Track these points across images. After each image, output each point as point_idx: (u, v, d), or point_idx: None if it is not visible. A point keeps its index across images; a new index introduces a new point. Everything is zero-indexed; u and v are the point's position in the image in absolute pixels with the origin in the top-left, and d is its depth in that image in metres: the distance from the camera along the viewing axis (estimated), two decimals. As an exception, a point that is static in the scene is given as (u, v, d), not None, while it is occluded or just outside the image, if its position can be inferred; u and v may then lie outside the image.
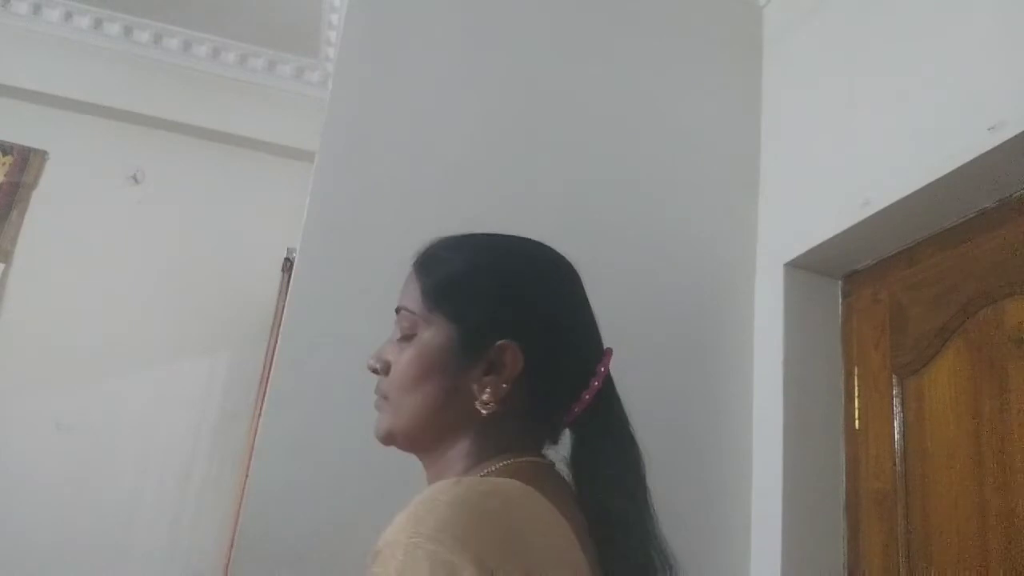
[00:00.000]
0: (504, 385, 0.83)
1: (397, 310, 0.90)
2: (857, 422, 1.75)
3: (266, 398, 1.70)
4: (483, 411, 0.83)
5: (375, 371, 0.91)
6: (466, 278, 0.89)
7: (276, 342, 2.21)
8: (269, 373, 1.94)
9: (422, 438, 0.87)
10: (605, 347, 0.91)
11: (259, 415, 2.34)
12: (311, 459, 1.51)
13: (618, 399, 0.92)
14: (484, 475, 0.81)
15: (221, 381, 2.87)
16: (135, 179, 3.01)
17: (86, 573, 2.51)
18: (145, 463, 2.69)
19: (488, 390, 0.83)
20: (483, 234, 0.95)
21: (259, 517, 1.49)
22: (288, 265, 2.76)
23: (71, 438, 2.65)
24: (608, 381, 0.90)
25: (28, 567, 2.49)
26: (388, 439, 0.89)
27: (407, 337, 0.88)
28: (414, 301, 0.88)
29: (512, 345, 0.84)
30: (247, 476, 1.77)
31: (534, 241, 0.95)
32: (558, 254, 0.95)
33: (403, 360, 0.87)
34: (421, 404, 0.86)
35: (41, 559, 2.50)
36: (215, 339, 2.89)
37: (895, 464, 1.62)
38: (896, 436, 1.64)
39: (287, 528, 1.46)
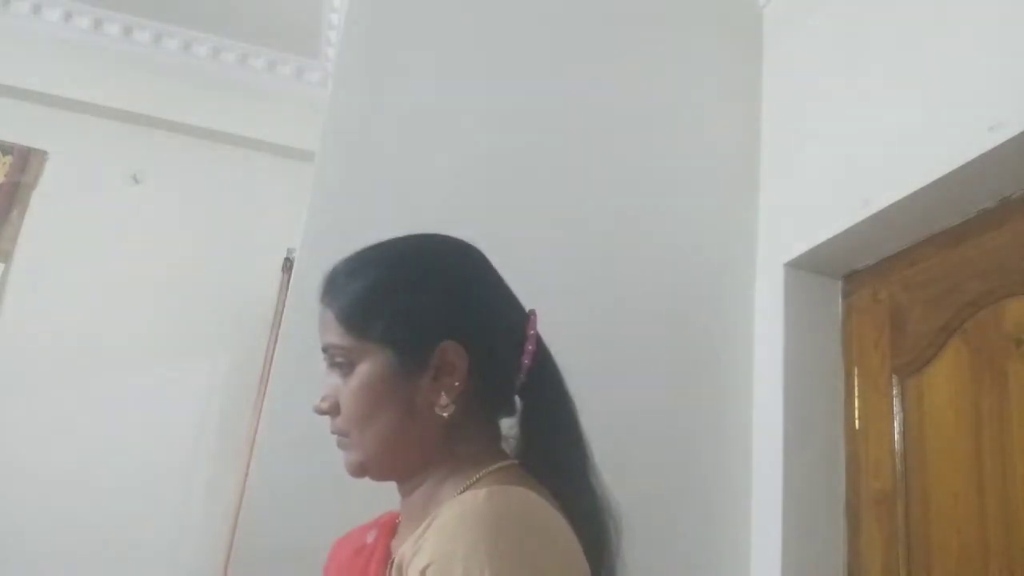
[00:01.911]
0: (456, 384, 0.84)
1: (324, 349, 0.89)
2: (857, 422, 1.75)
3: (266, 398, 1.70)
4: (444, 414, 0.84)
5: (324, 413, 0.89)
6: (378, 296, 0.87)
7: (276, 342, 2.21)
8: (269, 373, 1.94)
9: (396, 464, 0.88)
10: (528, 310, 0.92)
11: (259, 415, 2.34)
12: (311, 459, 1.50)
13: (553, 361, 0.93)
14: (477, 484, 0.82)
15: (221, 381, 2.87)
16: (135, 179, 3.01)
17: (86, 573, 2.51)
18: (145, 463, 2.68)
19: (443, 393, 0.84)
20: (376, 245, 0.93)
21: (259, 517, 1.49)
22: (288, 265, 2.76)
23: (71, 438, 2.65)
24: (540, 343, 0.91)
25: (28, 567, 2.49)
26: (361, 472, 0.88)
27: (345, 372, 0.87)
28: (337, 335, 0.87)
29: (451, 344, 0.84)
30: (247, 476, 1.77)
31: (427, 234, 0.95)
32: (455, 239, 0.95)
33: (348, 396, 0.86)
34: (383, 433, 0.85)
35: (41, 559, 2.50)
36: (215, 339, 2.89)
37: (895, 464, 1.62)
38: (896, 436, 1.64)
39: (287, 528, 1.46)
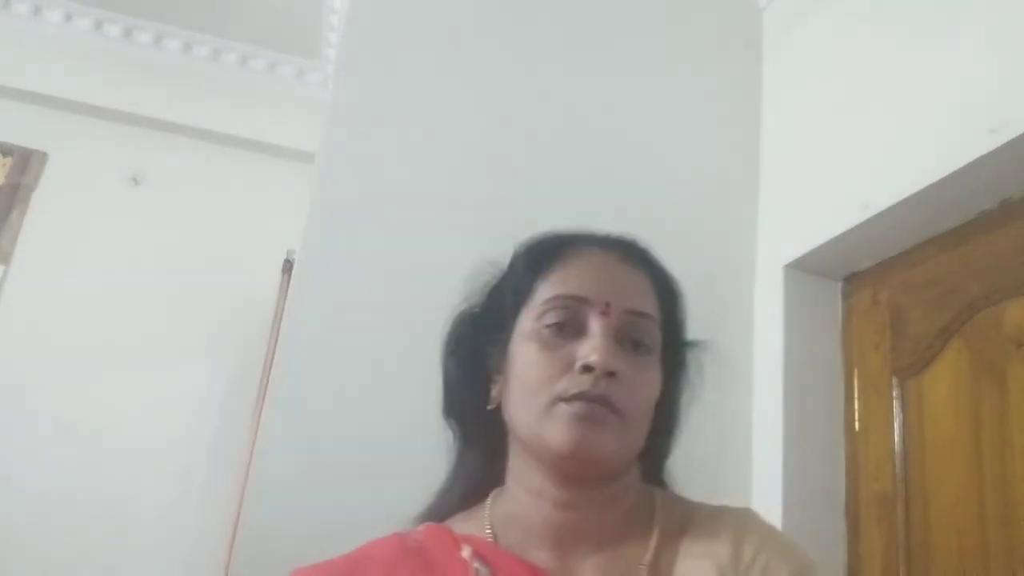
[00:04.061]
0: None
1: (636, 313, 0.80)
2: (857, 424, 1.75)
3: (266, 398, 1.71)
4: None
5: (612, 375, 0.75)
6: (683, 319, 0.89)
7: (276, 342, 2.21)
8: (269, 373, 1.94)
9: (622, 469, 0.82)
10: None
11: (259, 415, 2.34)
12: (311, 459, 1.51)
13: None
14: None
15: (221, 381, 2.86)
16: (135, 180, 3.01)
17: (85, 573, 2.51)
18: (145, 463, 2.68)
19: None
20: None
21: (259, 517, 1.49)
22: (288, 266, 2.76)
23: (71, 438, 2.64)
24: None
25: (27, 566, 2.48)
26: (607, 459, 0.77)
27: (644, 353, 0.79)
28: (656, 314, 0.83)
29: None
30: (247, 476, 1.77)
31: None
32: None
33: (648, 383, 0.80)
34: (640, 441, 0.81)
35: (40, 559, 2.49)
36: (215, 340, 2.89)
37: (895, 465, 1.62)
38: (896, 438, 1.63)
39: (287, 528, 1.46)
